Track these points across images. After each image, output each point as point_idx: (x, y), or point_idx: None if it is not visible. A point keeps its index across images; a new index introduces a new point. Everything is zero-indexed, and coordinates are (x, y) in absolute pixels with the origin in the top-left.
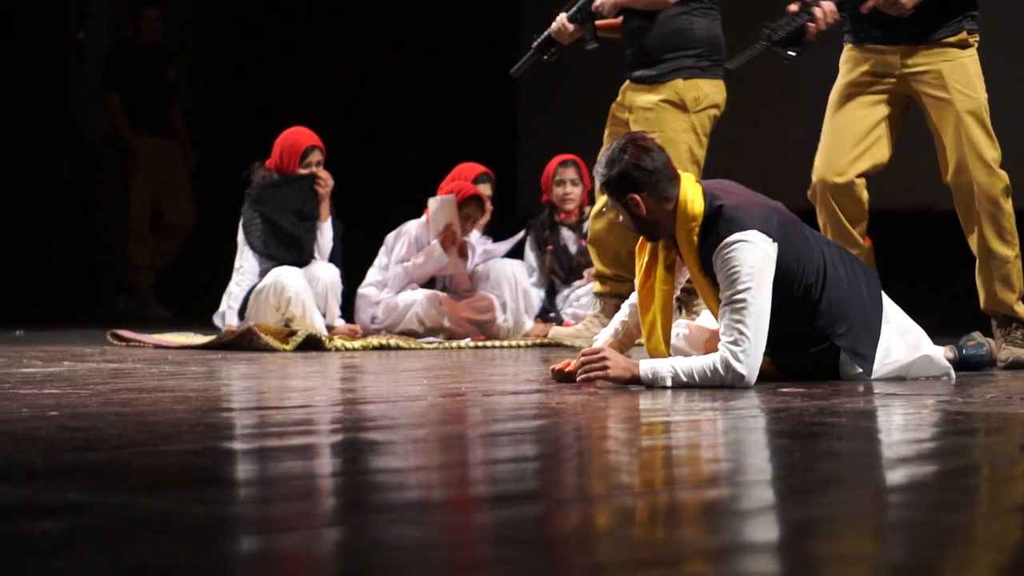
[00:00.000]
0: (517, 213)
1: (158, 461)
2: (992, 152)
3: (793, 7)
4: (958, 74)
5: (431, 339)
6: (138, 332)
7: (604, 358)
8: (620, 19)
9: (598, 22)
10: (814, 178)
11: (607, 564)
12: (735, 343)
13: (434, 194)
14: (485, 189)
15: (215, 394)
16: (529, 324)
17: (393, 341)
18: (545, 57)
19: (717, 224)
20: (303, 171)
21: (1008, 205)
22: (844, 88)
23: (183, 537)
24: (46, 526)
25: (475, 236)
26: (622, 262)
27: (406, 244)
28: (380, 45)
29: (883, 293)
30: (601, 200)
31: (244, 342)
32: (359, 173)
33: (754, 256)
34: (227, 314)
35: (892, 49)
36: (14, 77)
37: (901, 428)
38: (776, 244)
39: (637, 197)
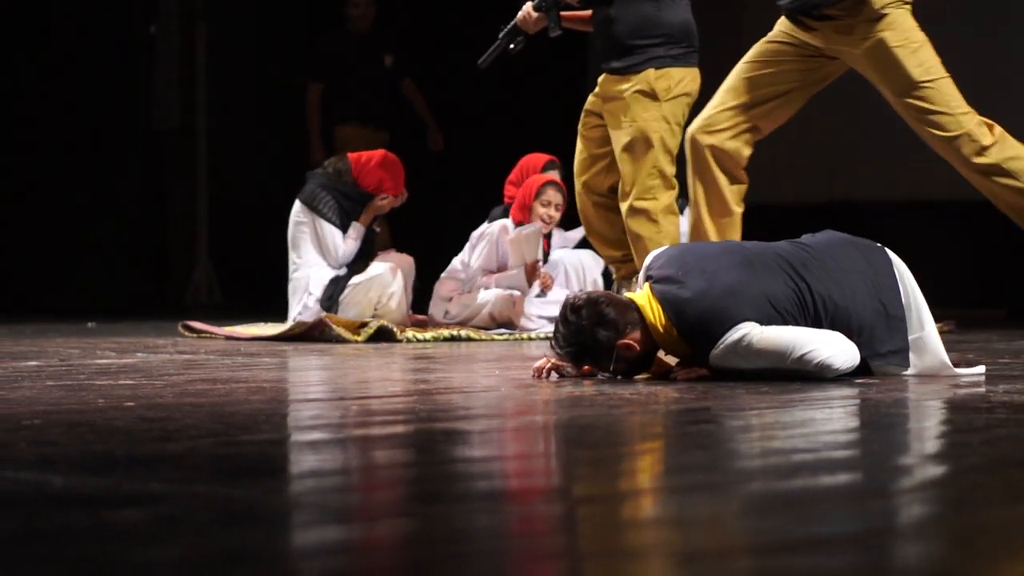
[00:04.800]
0: None
1: (236, 451)
2: None
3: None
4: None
5: (502, 330)
6: (209, 323)
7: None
8: (589, 12)
9: (563, 12)
10: None
11: (683, 553)
12: (811, 362)
13: (501, 186)
14: (554, 175)
15: (289, 385)
16: None
17: (464, 332)
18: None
19: (700, 328)
20: (379, 200)
21: None
22: None
23: (263, 526)
24: (128, 516)
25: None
26: (624, 241)
27: (487, 249)
28: (442, 37)
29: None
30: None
31: (315, 333)
32: (425, 164)
33: (748, 330)
34: (307, 307)
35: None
36: (87, 71)
37: (976, 417)
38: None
39: (629, 340)
